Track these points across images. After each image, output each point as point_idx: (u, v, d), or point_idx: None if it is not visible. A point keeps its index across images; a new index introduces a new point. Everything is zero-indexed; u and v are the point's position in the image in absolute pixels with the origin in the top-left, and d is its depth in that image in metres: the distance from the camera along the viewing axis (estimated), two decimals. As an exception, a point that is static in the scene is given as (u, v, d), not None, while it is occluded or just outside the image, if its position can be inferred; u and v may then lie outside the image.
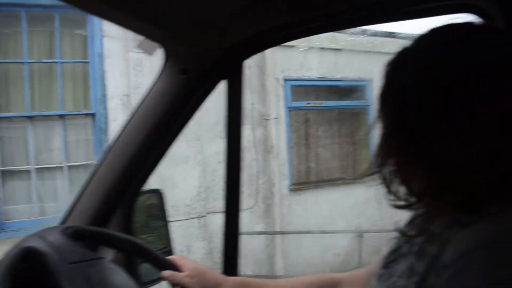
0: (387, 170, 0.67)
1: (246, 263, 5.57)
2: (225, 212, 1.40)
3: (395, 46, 0.72)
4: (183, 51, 1.16)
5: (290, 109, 6.15)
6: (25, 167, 4.56)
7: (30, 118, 4.58)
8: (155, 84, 1.21)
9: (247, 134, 5.69)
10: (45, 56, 4.66)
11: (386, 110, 0.67)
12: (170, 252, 1.74)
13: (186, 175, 5.19)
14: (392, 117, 0.66)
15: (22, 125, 4.59)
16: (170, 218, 1.61)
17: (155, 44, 1.12)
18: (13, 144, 4.58)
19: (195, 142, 5.21)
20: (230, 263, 1.41)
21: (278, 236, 5.84)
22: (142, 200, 1.66)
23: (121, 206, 1.36)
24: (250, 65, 5.72)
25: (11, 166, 4.53)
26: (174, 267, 1.12)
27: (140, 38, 1.14)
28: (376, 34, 6.11)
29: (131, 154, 1.27)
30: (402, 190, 0.67)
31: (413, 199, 0.66)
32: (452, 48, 0.63)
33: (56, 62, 4.67)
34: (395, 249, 0.84)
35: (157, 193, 1.63)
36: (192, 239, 5.24)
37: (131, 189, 1.35)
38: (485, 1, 1.16)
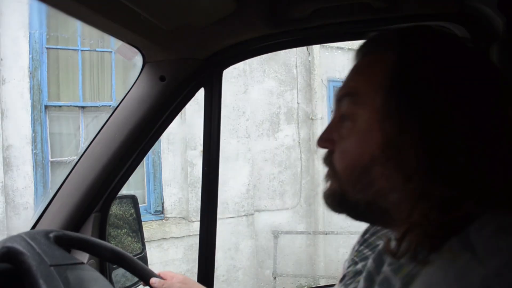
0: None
1: (287, 263, 5.60)
2: (201, 221, 1.41)
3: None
4: (162, 58, 1.17)
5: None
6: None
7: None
8: (132, 88, 1.21)
9: (292, 133, 5.78)
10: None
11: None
12: (144, 258, 1.74)
13: (236, 172, 5.27)
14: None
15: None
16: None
17: (134, 49, 1.14)
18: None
19: (245, 139, 5.28)
20: (206, 272, 1.41)
21: (320, 236, 5.89)
22: (116, 205, 1.66)
23: (96, 211, 1.36)
24: (296, 64, 5.83)
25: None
26: (157, 276, 1.14)
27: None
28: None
29: (107, 158, 1.26)
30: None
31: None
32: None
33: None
34: (351, 264, 0.87)
35: (132, 198, 1.63)
36: (240, 237, 5.34)
37: (106, 194, 1.35)
38: (454, 24, 1.21)
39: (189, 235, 4.96)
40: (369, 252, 0.86)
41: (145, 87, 1.20)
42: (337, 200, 0.70)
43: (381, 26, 1.18)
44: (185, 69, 1.19)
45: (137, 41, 1.10)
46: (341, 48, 5.88)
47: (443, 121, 0.57)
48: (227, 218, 5.12)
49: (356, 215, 0.69)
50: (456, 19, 1.22)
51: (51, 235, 0.95)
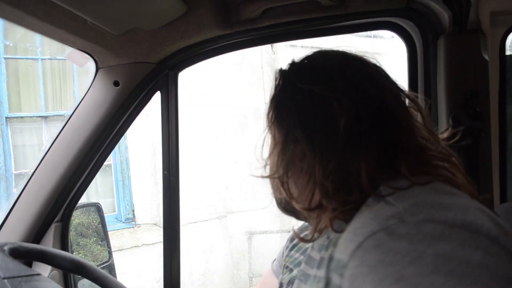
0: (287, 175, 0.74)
1: (262, 263, 5.59)
2: (164, 226, 1.40)
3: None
4: (115, 63, 1.16)
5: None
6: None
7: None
8: (86, 95, 1.20)
9: (260, 132, 5.77)
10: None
11: (287, 117, 0.74)
12: (111, 266, 1.72)
13: (206, 175, 5.30)
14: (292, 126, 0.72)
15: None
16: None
17: (85, 55, 1.12)
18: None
19: (213, 141, 5.31)
20: (171, 278, 1.40)
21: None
22: (82, 214, 1.64)
23: (56, 220, 1.33)
24: (262, 64, 5.82)
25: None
26: (119, 284, 1.12)
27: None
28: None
29: (64, 166, 1.25)
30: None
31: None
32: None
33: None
34: (286, 271, 0.92)
35: (96, 206, 1.61)
36: (214, 240, 5.37)
37: (66, 203, 1.33)
38: (403, 19, 1.25)
39: (161, 241, 4.90)
40: (301, 257, 0.90)
41: (99, 93, 1.19)
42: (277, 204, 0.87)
43: (331, 23, 1.20)
44: (139, 73, 1.18)
45: (87, 47, 1.09)
46: (305, 47, 5.94)
47: (307, 128, 0.69)
48: (200, 221, 5.09)
49: (294, 215, 0.83)
50: (404, 14, 1.26)
51: (6, 247, 0.93)
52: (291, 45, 5.88)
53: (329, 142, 0.66)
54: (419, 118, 0.73)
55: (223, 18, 1.13)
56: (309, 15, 1.17)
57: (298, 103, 0.71)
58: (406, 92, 0.74)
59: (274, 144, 0.78)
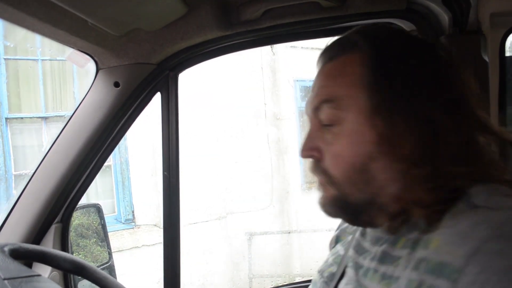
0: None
1: (262, 264, 5.58)
2: (164, 227, 1.40)
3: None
4: (115, 64, 1.16)
5: (301, 110, 6.20)
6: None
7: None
8: (87, 96, 1.20)
9: (261, 134, 5.77)
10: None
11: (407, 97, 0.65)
12: (111, 267, 1.72)
13: (206, 175, 5.30)
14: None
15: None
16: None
17: (86, 56, 1.13)
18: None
19: (214, 142, 5.33)
20: (172, 279, 1.40)
21: (294, 234, 5.90)
22: (82, 215, 1.64)
23: (56, 221, 1.33)
24: (262, 65, 5.82)
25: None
26: (119, 285, 1.12)
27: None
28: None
29: (65, 167, 1.24)
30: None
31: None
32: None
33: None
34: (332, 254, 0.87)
35: (96, 207, 1.61)
36: (214, 241, 5.37)
37: (66, 204, 1.32)
38: (403, 21, 1.25)
39: (161, 242, 4.90)
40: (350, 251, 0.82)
41: (100, 94, 1.19)
42: (339, 205, 0.71)
43: (331, 25, 1.21)
44: (139, 74, 1.19)
45: (87, 48, 1.09)
46: (305, 48, 5.93)
47: (424, 109, 0.63)
48: (200, 222, 5.09)
49: (355, 217, 0.72)
50: (404, 16, 1.26)
51: (6, 248, 0.93)
52: (291, 46, 5.89)
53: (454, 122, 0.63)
54: None
55: (223, 19, 1.14)
56: (309, 16, 1.17)
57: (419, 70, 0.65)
58: None
59: (386, 132, 0.64)
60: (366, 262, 0.71)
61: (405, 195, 0.63)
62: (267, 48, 5.84)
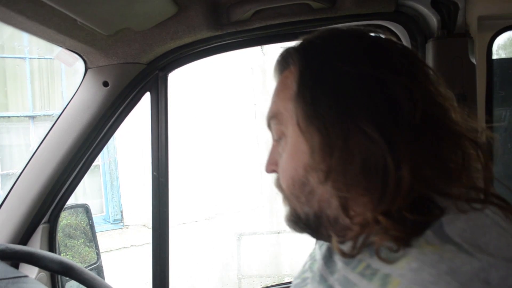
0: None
1: (251, 264, 5.57)
2: (153, 227, 1.39)
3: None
4: (104, 63, 1.15)
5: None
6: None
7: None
8: (75, 95, 1.19)
9: (251, 134, 5.76)
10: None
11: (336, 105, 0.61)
12: (99, 267, 1.71)
13: (195, 175, 5.26)
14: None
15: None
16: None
17: (74, 55, 1.12)
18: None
19: (203, 142, 5.30)
20: (161, 279, 1.39)
21: (283, 235, 5.87)
22: (70, 215, 1.62)
23: (44, 222, 1.32)
24: (252, 66, 5.83)
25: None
26: (107, 286, 1.11)
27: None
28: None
29: (52, 167, 1.23)
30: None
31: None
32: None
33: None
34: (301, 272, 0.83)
35: (84, 207, 1.60)
36: (203, 241, 5.34)
37: (54, 204, 1.31)
38: (392, 23, 1.26)
39: (150, 243, 4.88)
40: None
41: (88, 93, 1.18)
42: (293, 220, 0.69)
43: (321, 26, 1.21)
44: (128, 74, 1.18)
45: (76, 47, 1.08)
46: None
47: (356, 119, 0.58)
48: (189, 222, 5.07)
49: (312, 232, 0.69)
50: (393, 18, 1.27)
51: None
52: (281, 47, 5.87)
53: (396, 134, 0.57)
54: None
55: (213, 19, 1.13)
56: (299, 17, 1.18)
57: (351, 88, 0.60)
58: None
59: (317, 143, 0.61)
60: (331, 279, 0.68)
61: (353, 209, 0.60)
62: (257, 49, 5.85)
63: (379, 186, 0.56)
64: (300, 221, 0.68)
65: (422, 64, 0.67)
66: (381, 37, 0.70)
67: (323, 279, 0.70)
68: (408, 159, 0.56)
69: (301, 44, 0.70)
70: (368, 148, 0.57)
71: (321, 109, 0.61)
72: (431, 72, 0.66)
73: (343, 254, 0.62)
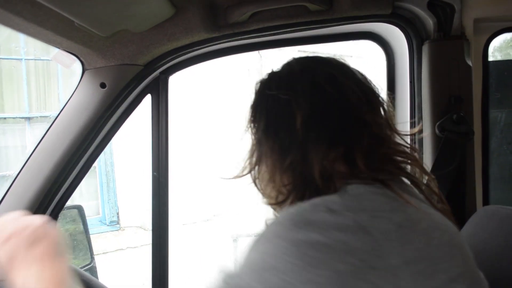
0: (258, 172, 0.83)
1: None
2: (152, 228, 1.39)
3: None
4: (102, 64, 1.15)
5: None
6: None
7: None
8: (72, 96, 1.19)
9: (248, 136, 5.76)
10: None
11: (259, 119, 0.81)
12: (93, 268, 1.70)
13: (192, 177, 5.12)
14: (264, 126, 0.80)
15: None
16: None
17: (72, 56, 1.11)
18: None
19: (201, 144, 5.16)
20: (160, 280, 1.39)
21: None
22: (63, 216, 1.62)
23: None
24: (249, 68, 5.82)
25: None
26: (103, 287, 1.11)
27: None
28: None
29: (50, 169, 1.23)
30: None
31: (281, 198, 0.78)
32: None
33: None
34: None
35: (77, 208, 1.60)
36: (200, 243, 5.32)
37: (52, 206, 1.30)
38: (389, 25, 1.27)
39: (146, 245, 4.88)
40: None
41: (86, 95, 1.18)
42: None
43: (318, 28, 1.21)
44: (126, 75, 1.18)
45: (73, 48, 1.08)
46: (292, 51, 5.96)
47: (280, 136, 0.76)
48: (186, 224, 5.07)
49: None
50: (390, 20, 1.28)
51: None
52: (278, 49, 5.90)
53: (288, 138, 0.75)
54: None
55: (211, 21, 1.14)
56: (296, 19, 1.18)
57: (268, 107, 0.80)
58: (373, 90, 0.80)
59: (250, 145, 0.84)
60: None
61: (278, 200, 0.79)
62: (254, 52, 5.87)
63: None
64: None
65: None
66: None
67: None
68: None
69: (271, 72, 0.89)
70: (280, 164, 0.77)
71: (260, 128, 0.81)
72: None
73: None
